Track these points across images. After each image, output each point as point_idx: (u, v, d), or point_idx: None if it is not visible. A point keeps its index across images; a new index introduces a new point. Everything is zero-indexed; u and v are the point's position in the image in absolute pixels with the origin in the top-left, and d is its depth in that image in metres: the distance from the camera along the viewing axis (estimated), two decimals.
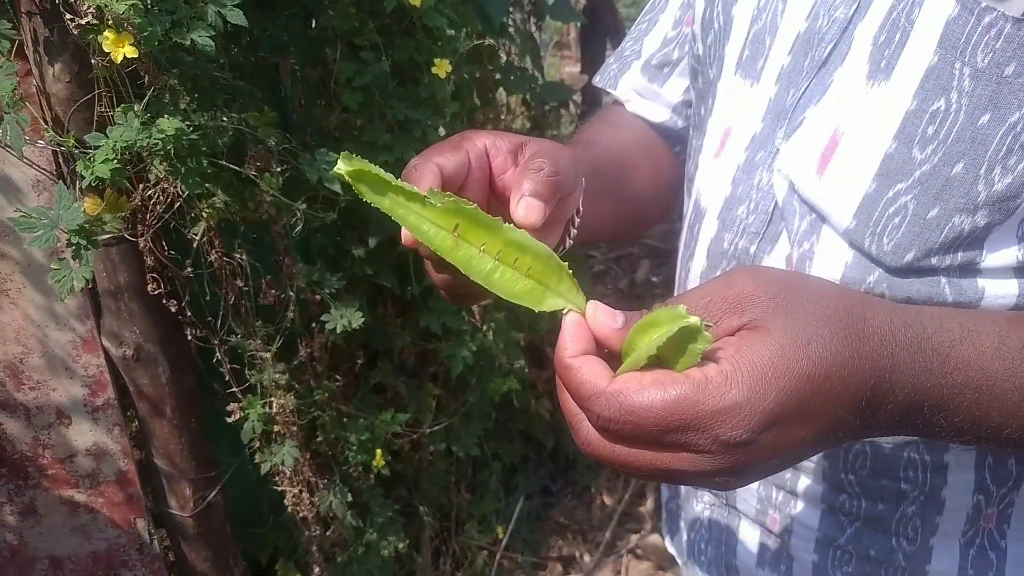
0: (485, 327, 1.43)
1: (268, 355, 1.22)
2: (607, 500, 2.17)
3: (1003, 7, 0.43)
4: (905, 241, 0.48)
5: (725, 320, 0.39)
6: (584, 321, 0.41)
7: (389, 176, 0.41)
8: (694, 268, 0.66)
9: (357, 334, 1.46)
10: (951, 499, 0.56)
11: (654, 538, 1.98)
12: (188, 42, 0.89)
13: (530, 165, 0.47)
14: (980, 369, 0.43)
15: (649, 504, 2.10)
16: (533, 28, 1.60)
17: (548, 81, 1.74)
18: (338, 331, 1.19)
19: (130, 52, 0.84)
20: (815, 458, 0.59)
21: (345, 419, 1.43)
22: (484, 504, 1.97)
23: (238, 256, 1.19)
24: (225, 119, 1.01)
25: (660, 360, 0.38)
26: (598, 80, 0.86)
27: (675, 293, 0.74)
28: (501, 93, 1.60)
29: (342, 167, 0.40)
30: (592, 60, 2.37)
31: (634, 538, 2.03)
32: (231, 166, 1.02)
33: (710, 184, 0.64)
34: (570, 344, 0.40)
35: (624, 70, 0.81)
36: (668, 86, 0.78)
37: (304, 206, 1.07)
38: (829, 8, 0.53)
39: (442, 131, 1.23)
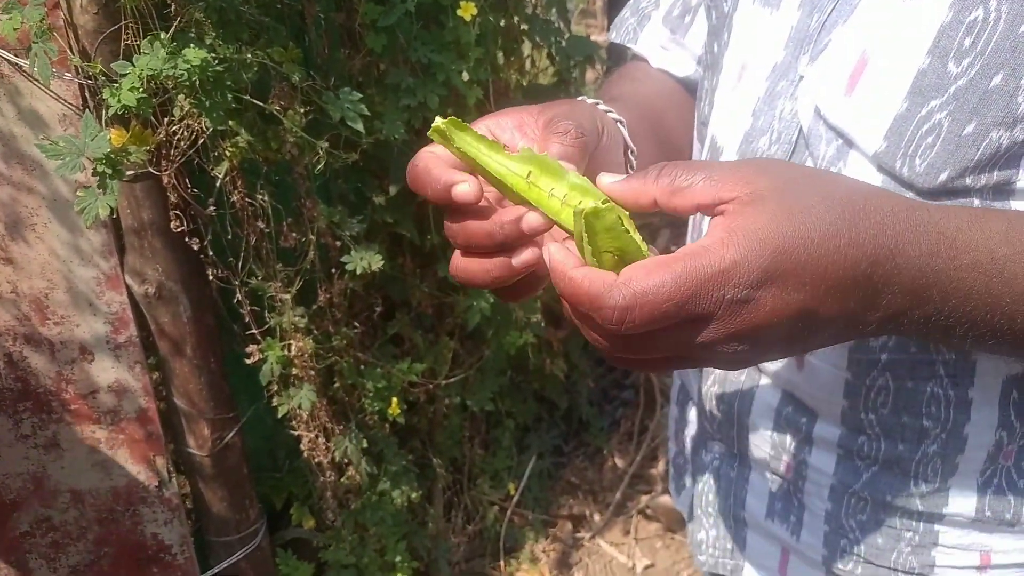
0: None
1: (288, 297, 1.22)
2: (619, 462, 2.18)
3: None
4: (939, 161, 0.47)
5: (727, 193, 0.40)
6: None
7: (475, 130, 0.46)
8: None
9: (375, 283, 1.47)
10: (974, 436, 0.55)
11: (664, 499, 1.99)
12: None
13: (555, 128, 0.47)
14: (989, 252, 0.42)
15: (660, 466, 2.11)
16: None
17: (574, 35, 1.72)
18: (358, 273, 1.19)
19: None
20: (835, 399, 0.58)
21: (362, 366, 1.44)
22: (497, 460, 1.99)
23: (260, 197, 1.20)
24: (250, 54, 1.01)
25: (614, 252, 0.41)
26: (614, 36, 0.82)
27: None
28: (526, 47, 1.58)
29: (439, 122, 0.46)
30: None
31: (644, 499, 2.04)
32: (256, 101, 1.02)
33: (727, 120, 0.62)
34: (568, 259, 0.41)
35: (644, 23, 0.78)
36: (691, 35, 0.75)
37: (327, 144, 1.07)
38: None
39: (465, 75, 1.22)
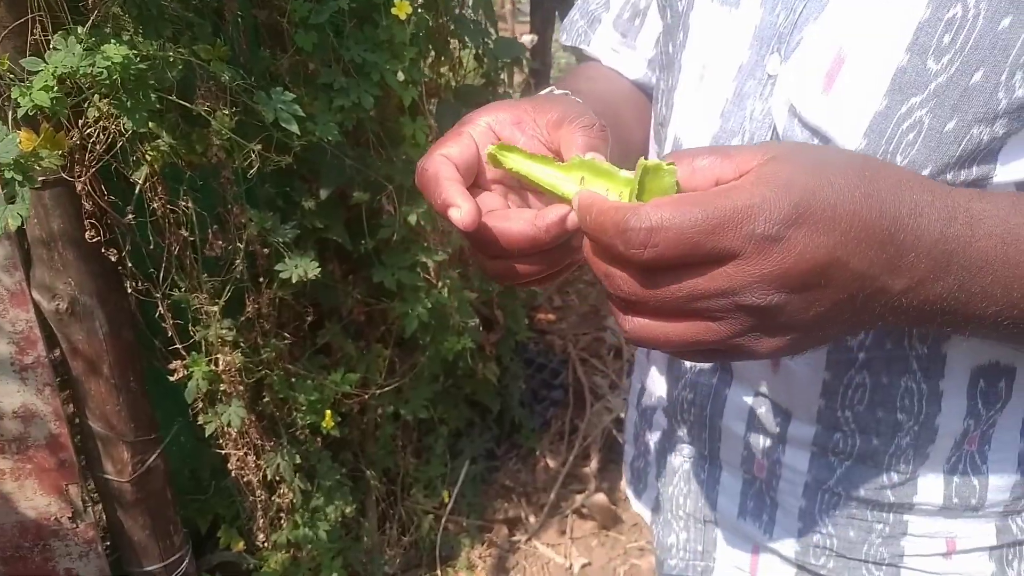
0: (440, 284, 1.40)
1: (215, 309, 1.15)
2: (551, 463, 2.18)
3: None
4: (920, 158, 0.47)
5: (747, 164, 0.40)
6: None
7: (524, 150, 0.48)
8: None
9: (305, 291, 1.41)
10: (944, 426, 0.57)
11: (599, 497, 2.01)
12: None
13: (579, 123, 0.49)
14: (1002, 220, 0.43)
15: (593, 464, 2.13)
16: None
17: (501, 37, 1.70)
18: (293, 281, 1.14)
19: None
20: (812, 399, 0.58)
21: (293, 379, 1.38)
22: (430, 468, 1.95)
23: (183, 204, 1.12)
24: (173, 52, 0.94)
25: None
26: (565, 39, 0.81)
27: None
28: (456, 48, 1.56)
29: (491, 148, 0.48)
30: (543, 23, 2.34)
31: (579, 498, 2.05)
32: (181, 102, 0.95)
33: (691, 122, 0.61)
34: (597, 197, 0.41)
35: (594, 25, 0.77)
36: (641, 39, 0.74)
37: (259, 147, 1.01)
38: None
39: (400, 76, 1.19)
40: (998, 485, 0.59)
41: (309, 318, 1.38)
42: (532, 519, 2.03)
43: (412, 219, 1.30)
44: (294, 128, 0.99)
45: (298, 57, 1.22)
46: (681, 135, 0.62)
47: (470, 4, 1.59)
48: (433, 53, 1.45)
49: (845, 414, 0.58)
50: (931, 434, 0.57)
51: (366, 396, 1.47)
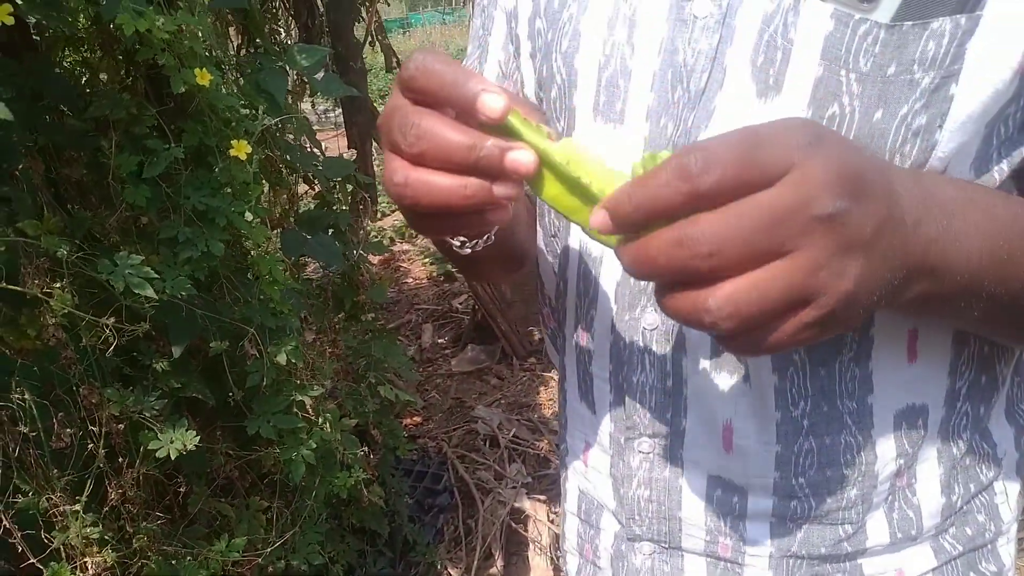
0: (320, 420, 1.32)
1: (77, 508, 1.00)
2: (453, 573, 2.09)
3: (874, 16, 0.48)
4: None
5: None
6: None
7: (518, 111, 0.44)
8: (600, 314, 0.64)
9: (168, 460, 1.27)
10: (881, 471, 0.61)
11: None
12: None
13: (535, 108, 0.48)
14: (978, 189, 0.49)
15: (499, 563, 2.06)
16: (308, 106, 1.55)
17: (328, 157, 1.69)
18: (172, 457, 1.02)
19: None
20: (767, 472, 0.61)
21: (174, 560, 1.22)
22: None
23: (16, 397, 0.98)
24: None
25: None
26: None
27: (565, 339, 0.73)
28: (288, 177, 1.52)
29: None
30: (361, 137, 2.36)
31: None
32: (10, 287, 0.84)
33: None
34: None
35: None
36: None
37: (112, 320, 0.91)
38: (687, 43, 0.56)
39: (249, 216, 1.14)
40: (929, 511, 0.64)
41: (182, 489, 1.24)
42: None
43: (281, 359, 1.23)
44: (150, 293, 0.91)
45: (128, 214, 1.13)
46: (588, 242, 0.64)
47: (293, 132, 1.57)
48: (267, 186, 1.41)
49: (799, 480, 0.61)
50: (872, 480, 0.61)
51: (258, 559, 1.33)
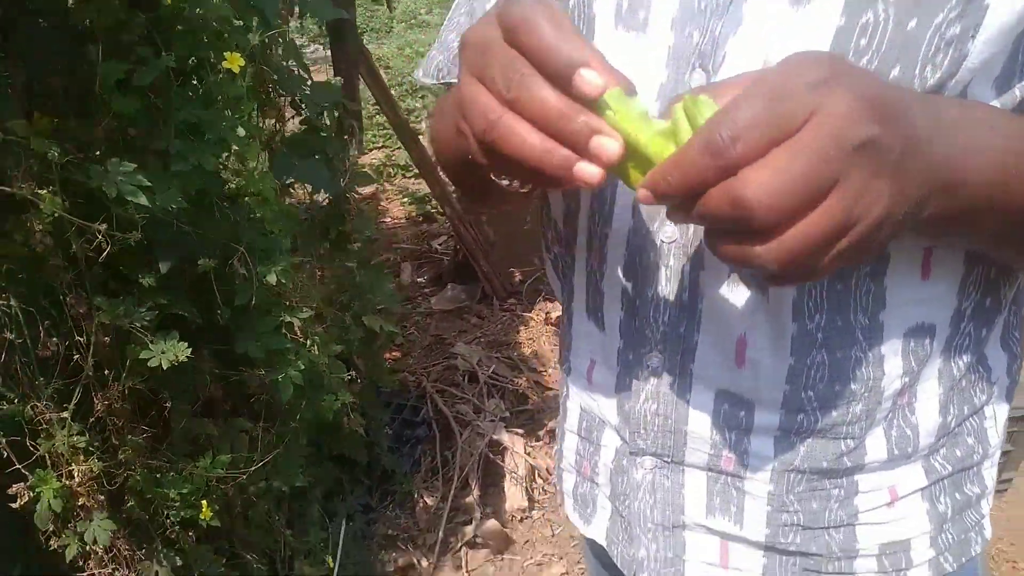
0: (308, 342, 1.33)
1: (65, 416, 1.01)
2: (429, 501, 2.14)
3: None
4: None
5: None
6: None
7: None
8: (615, 229, 0.64)
9: (157, 377, 1.28)
10: (887, 387, 0.62)
11: (490, 523, 2.00)
12: None
13: None
14: (981, 107, 0.51)
15: (475, 492, 2.11)
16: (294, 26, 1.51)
17: (317, 83, 1.66)
18: (164, 367, 1.03)
19: None
20: (776, 386, 0.62)
21: (158, 474, 1.24)
22: (309, 537, 1.84)
23: (2, 302, 0.98)
24: None
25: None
26: (421, 76, 0.80)
27: (575, 258, 0.74)
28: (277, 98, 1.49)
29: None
30: (348, 66, 2.31)
31: (468, 530, 2.03)
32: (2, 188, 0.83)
33: None
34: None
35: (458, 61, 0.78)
36: None
37: (104, 227, 0.90)
38: None
39: (241, 131, 1.12)
40: (926, 430, 0.65)
41: (167, 405, 1.25)
42: (424, 562, 1.97)
43: (271, 279, 1.23)
44: (142, 200, 0.90)
45: (115, 124, 1.11)
46: None
47: (280, 53, 1.54)
48: (256, 105, 1.39)
49: (808, 394, 0.61)
50: (878, 396, 0.62)
51: (242, 476, 1.35)
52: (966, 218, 0.50)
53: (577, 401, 0.78)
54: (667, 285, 0.63)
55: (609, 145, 0.43)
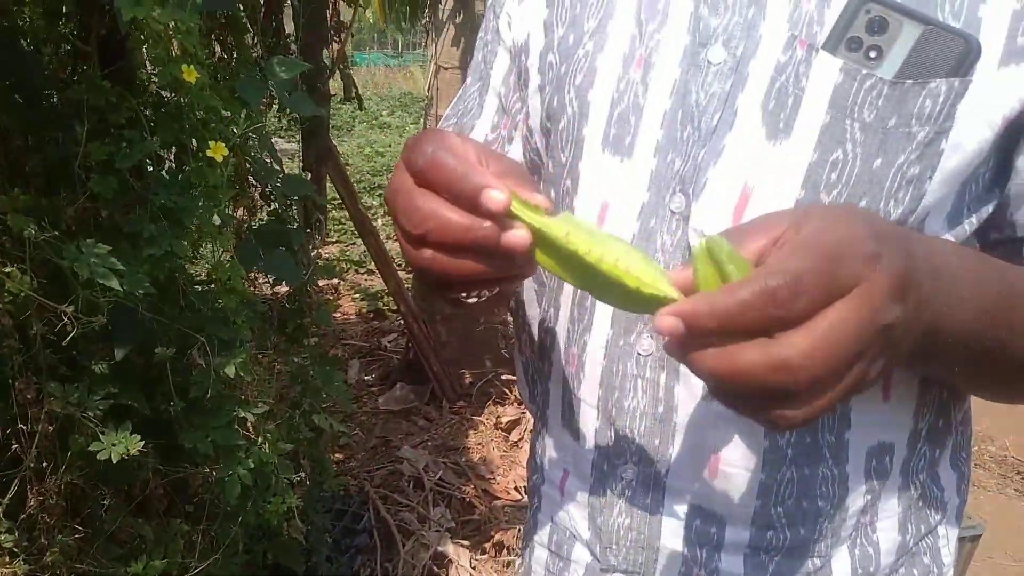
0: (260, 439, 1.27)
1: None
2: None
3: (879, 72, 0.53)
4: None
5: (777, 228, 0.44)
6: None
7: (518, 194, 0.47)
8: (593, 338, 0.66)
9: (91, 470, 1.19)
10: (851, 505, 0.64)
11: None
12: None
13: (521, 184, 0.49)
14: (970, 255, 0.54)
15: None
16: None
17: (289, 175, 1.67)
18: (114, 461, 0.96)
19: None
20: (747, 501, 0.63)
21: None
22: None
23: None
24: None
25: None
26: None
27: (551, 365, 0.74)
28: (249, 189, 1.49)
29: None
30: (318, 159, 2.33)
31: None
32: None
33: None
34: (700, 296, 0.41)
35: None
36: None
37: (71, 309, 0.86)
38: (700, 86, 0.60)
39: (217, 219, 1.10)
40: (886, 548, 0.68)
41: (105, 503, 1.16)
42: None
43: (230, 371, 1.18)
44: (114, 284, 0.87)
45: (89, 204, 1.08)
46: None
47: (256, 145, 1.55)
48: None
49: (777, 510, 0.63)
50: (843, 514, 0.64)
51: None
52: (941, 357, 0.53)
53: (548, 513, 0.77)
54: (643, 397, 0.64)
55: (517, 235, 0.46)
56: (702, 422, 0.62)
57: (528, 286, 0.77)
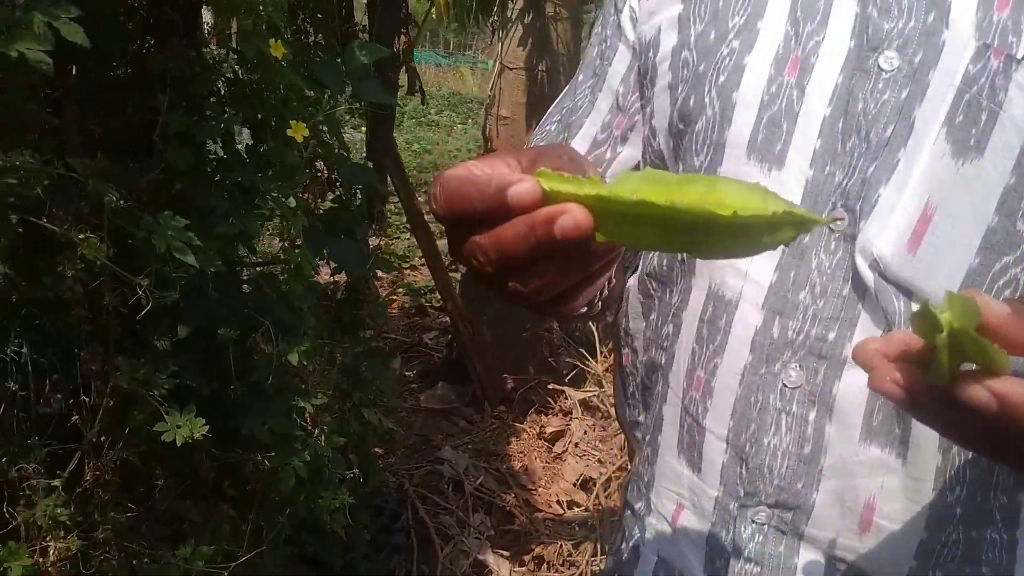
0: (317, 432, 1.24)
1: (56, 483, 0.90)
2: None
3: None
4: None
5: None
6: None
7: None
8: (727, 363, 0.60)
9: (148, 448, 1.17)
10: (1019, 572, 0.58)
11: None
12: (15, 54, 0.66)
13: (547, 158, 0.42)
14: None
15: None
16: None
17: (354, 163, 1.64)
18: (178, 444, 0.93)
19: None
20: (903, 560, 0.57)
21: (134, 560, 1.11)
22: None
23: (11, 348, 0.89)
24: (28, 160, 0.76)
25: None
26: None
27: (667, 387, 0.68)
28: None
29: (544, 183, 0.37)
30: (382, 151, 2.32)
31: None
32: (44, 224, 0.76)
33: (735, 273, 0.60)
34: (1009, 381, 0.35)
35: (572, 130, 0.75)
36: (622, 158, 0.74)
37: (147, 281, 0.83)
38: (868, 93, 0.54)
39: (292, 201, 1.07)
40: None
41: (159, 483, 1.13)
42: None
43: (293, 358, 1.15)
44: (190, 260, 0.84)
45: (162, 175, 1.06)
46: (723, 284, 0.60)
47: (327, 131, 1.53)
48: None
49: (936, 573, 0.56)
50: None
51: (224, 573, 1.22)
52: None
53: (655, 547, 0.70)
54: (787, 434, 0.58)
55: (568, 219, 0.36)
56: (856, 468, 0.56)
57: (632, 297, 0.72)
